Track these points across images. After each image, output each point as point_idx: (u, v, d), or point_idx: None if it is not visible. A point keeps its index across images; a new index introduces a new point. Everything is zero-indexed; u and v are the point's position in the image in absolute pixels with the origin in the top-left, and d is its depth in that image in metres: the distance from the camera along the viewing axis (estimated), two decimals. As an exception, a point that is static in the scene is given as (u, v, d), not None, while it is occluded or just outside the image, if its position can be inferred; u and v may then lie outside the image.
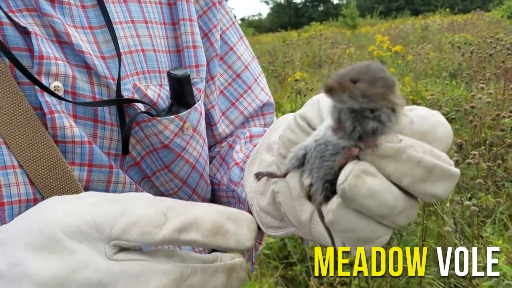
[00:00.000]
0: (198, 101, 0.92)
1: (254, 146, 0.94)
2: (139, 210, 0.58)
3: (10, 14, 0.76)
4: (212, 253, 0.61)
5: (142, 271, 0.56)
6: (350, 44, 10.18)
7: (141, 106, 0.85)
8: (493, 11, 15.43)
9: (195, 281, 0.57)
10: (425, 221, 3.36)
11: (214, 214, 0.59)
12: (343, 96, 0.50)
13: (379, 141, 0.50)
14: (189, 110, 0.88)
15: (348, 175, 0.50)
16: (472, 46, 7.19)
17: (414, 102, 5.37)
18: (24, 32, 0.77)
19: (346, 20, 23.99)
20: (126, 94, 0.84)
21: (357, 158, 0.51)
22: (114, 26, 0.85)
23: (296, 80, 5.28)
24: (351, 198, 0.50)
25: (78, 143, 0.77)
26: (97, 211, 0.59)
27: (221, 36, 1.04)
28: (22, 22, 0.76)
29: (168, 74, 0.88)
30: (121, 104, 0.83)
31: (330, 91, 0.50)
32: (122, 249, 0.58)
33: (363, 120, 0.51)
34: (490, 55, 6.53)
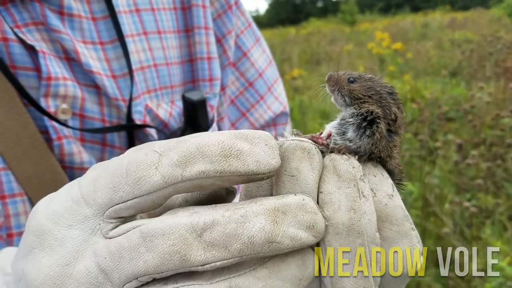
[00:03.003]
0: (212, 125, 0.88)
1: None
2: (124, 159, 0.48)
3: (16, 30, 0.72)
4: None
5: (143, 238, 0.46)
6: (349, 41, 10.12)
7: (152, 130, 0.80)
8: (493, 9, 15.39)
9: (216, 235, 0.45)
10: (423, 223, 3.33)
11: (218, 136, 0.48)
12: (334, 88, 0.56)
13: (344, 156, 0.52)
14: None
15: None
16: (472, 44, 7.15)
17: (413, 101, 5.33)
18: (31, 48, 0.73)
19: (345, 16, 23.94)
20: (137, 117, 0.80)
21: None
22: (126, 39, 0.80)
23: (294, 78, 5.23)
24: None
25: (87, 169, 0.75)
26: (81, 183, 0.50)
27: (235, 40, 0.99)
28: (29, 39, 0.73)
29: (183, 97, 0.85)
30: (130, 130, 0.79)
31: (327, 79, 0.57)
32: (124, 221, 0.49)
33: (347, 125, 0.55)
34: (490, 53, 6.48)
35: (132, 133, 0.80)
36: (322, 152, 0.52)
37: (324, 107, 6.17)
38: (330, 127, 0.56)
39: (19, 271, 0.49)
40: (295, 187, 0.48)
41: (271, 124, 1.05)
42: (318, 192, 0.50)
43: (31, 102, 0.71)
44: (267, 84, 1.03)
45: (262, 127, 1.04)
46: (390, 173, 0.55)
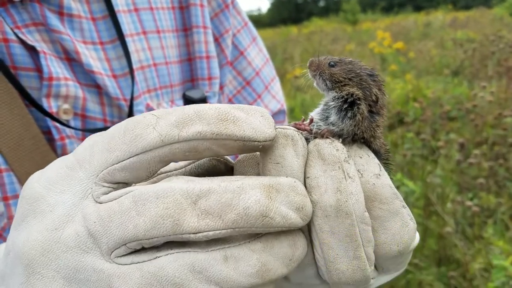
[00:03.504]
0: None
1: None
2: (121, 123, 0.48)
3: (16, 30, 0.72)
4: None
5: (134, 202, 0.45)
6: (351, 40, 10.11)
7: None
8: (495, 8, 15.37)
9: (212, 203, 0.44)
10: (425, 222, 3.32)
11: (216, 105, 0.48)
12: (316, 73, 0.57)
13: (327, 139, 0.52)
14: None
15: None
16: (474, 44, 7.13)
17: (415, 100, 5.32)
18: (32, 49, 0.73)
19: (347, 15, 23.93)
20: None
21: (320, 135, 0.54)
22: (126, 39, 0.81)
23: (296, 77, 5.23)
24: None
25: None
26: (77, 151, 0.50)
27: (231, 39, 1.00)
28: (30, 40, 0.73)
29: (184, 96, 0.85)
30: None
31: (309, 65, 0.58)
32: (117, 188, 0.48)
33: (330, 109, 0.56)
34: (493, 52, 6.47)
35: None
36: (307, 139, 0.53)
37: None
38: (313, 114, 0.57)
39: (10, 243, 0.49)
40: (281, 174, 0.49)
41: None
42: (305, 177, 0.51)
43: (33, 103, 0.71)
44: (264, 83, 1.04)
45: None
46: (376, 153, 0.56)
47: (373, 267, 0.52)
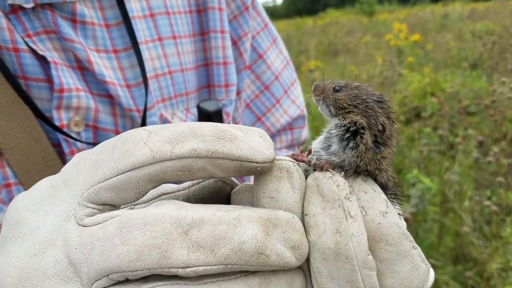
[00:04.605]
0: None
1: None
2: (111, 139, 0.44)
3: (26, 39, 0.70)
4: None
5: (119, 229, 0.41)
6: (367, 32, 9.99)
7: None
8: (515, -1, 15.04)
9: (204, 234, 0.40)
10: (441, 219, 3.27)
11: (213, 123, 0.44)
12: (320, 98, 0.54)
13: (327, 173, 0.48)
14: None
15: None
16: (494, 36, 6.98)
17: (433, 95, 5.23)
18: (43, 58, 0.71)
19: (363, 6, 23.67)
20: None
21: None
22: (140, 46, 0.78)
23: (311, 71, 5.19)
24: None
25: None
26: (63, 169, 0.46)
27: (250, 42, 0.96)
28: (41, 49, 0.71)
29: (198, 107, 0.83)
30: None
31: (313, 89, 0.55)
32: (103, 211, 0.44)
33: (332, 137, 0.52)
34: (513, 45, 6.33)
35: None
36: (307, 171, 0.49)
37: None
38: (316, 142, 0.53)
39: None
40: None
41: (287, 128, 1.02)
42: (303, 214, 0.46)
43: (41, 116, 0.69)
44: (283, 87, 1.01)
45: (278, 132, 1.01)
46: (383, 187, 0.51)
47: None
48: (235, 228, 0.41)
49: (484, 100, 4.48)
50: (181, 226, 0.40)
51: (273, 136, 1.01)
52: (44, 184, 0.46)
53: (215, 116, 0.82)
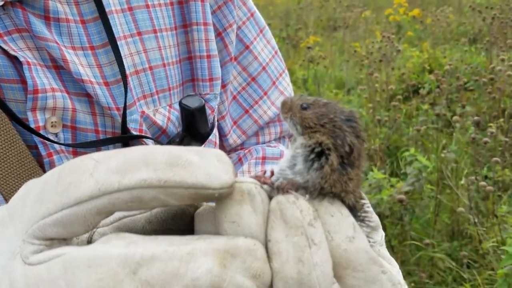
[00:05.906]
0: (212, 130, 0.83)
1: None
2: (57, 168, 0.42)
3: None
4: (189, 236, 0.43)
5: (64, 270, 0.39)
6: (366, 7, 9.86)
7: (149, 141, 0.76)
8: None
9: (154, 272, 0.38)
10: (438, 196, 3.30)
11: (168, 147, 0.42)
12: (287, 116, 0.51)
13: (290, 196, 0.45)
14: (203, 145, 0.80)
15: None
16: (494, 10, 6.89)
17: (431, 71, 5.21)
18: (15, 58, 0.68)
19: (363, -21, 23.29)
20: (132, 126, 0.75)
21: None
22: (118, 42, 0.75)
23: (309, 48, 5.14)
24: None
25: None
26: (10, 202, 0.44)
27: (236, 32, 0.93)
28: (13, 49, 0.68)
29: (180, 104, 0.80)
30: (125, 141, 0.75)
31: (281, 106, 0.53)
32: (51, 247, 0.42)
33: (297, 156, 0.50)
34: (513, 20, 6.26)
35: (128, 144, 0.75)
36: (271, 191, 0.47)
37: (340, 75, 6.06)
38: (283, 161, 0.51)
39: None
40: (238, 234, 0.43)
41: (276, 120, 1.00)
42: (267, 240, 0.44)
43: (15, 119, 0.66)
44: (271, 78, 0.98)
45: (267, 124, 0.99)
46: (352, 209, 0.49)
47: None
48: (188, 263, 0.38)
49: (483, 77, 4.46)
50: (128, 265, 0.38)
51: (261, 128, 0.99)
52: None
53: (197, 112, 0.79)
